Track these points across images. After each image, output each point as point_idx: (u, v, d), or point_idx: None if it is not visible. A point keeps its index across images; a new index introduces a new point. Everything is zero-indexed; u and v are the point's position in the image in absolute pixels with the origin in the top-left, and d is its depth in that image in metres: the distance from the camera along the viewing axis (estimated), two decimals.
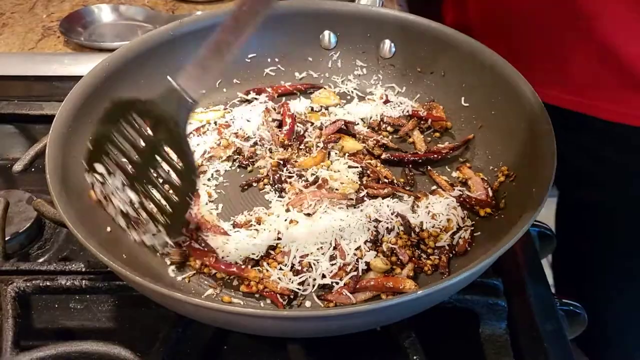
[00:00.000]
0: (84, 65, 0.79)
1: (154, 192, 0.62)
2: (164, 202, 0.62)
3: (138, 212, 0.62)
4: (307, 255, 0.66)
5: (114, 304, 0.71)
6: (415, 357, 0.60)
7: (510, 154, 0.74)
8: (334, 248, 0.67)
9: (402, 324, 0.62)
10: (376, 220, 0.69)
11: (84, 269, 0.68)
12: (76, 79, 0.75)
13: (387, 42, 0.90)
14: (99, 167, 0.62)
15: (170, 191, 0.61)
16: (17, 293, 0.65)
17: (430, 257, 0.68)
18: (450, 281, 0.52)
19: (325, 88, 0.91)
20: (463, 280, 0.54)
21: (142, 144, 0.61)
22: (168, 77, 0.59)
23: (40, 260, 0.76)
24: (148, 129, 0.61)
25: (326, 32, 0.92)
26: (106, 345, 0.60)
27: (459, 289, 0.61)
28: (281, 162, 0.78)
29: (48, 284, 0.66)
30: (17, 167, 0.77)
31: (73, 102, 0.72)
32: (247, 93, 0.90)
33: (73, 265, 0.68)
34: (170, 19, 1.14)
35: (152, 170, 0.61)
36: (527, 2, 0.93)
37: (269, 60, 0.93)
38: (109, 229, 0.68)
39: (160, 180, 0.62)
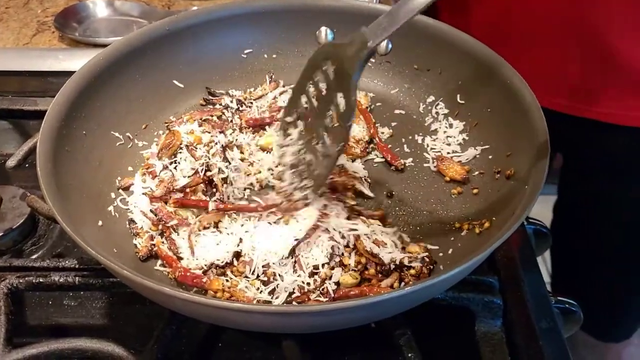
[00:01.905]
0: (79, 61, 0.79)
1: (318, 141, 0.66)
2: (321, 155, 0.66)
3: (300, 165, 0.68)
4: (268, 265, 0.65)
5: (108, 301, 0.70)
6: (410, 355, 0.60)
7: (505, 152, 0.74)
8: (294, 262, 0.65)
9: (397, 321, 0.62)
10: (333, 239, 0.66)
11: (77, 266, 0.67)
12: (71, 74, 0.75)
13: None
14: (289, 119, 0.70)
15: (328, 140, 0.65)
16: (10, 290, 0.65)
17: (412, 267, 0.65)
18: (439, 278, 0.52)
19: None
20: (452, 278, 0.54)
21: (324, 92, 0.65)
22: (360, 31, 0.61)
23: (34, 256, 0.75)
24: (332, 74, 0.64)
25: (323, 28, 0.91)
26: (100, 342, 0.60)
27: (449, 286, 0.61)
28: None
29: (41, 280, 0.66)
30: (11, 162, 0.77)
31: (66, 97, 0.71)
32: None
33: (66, 262, 0.68)
34: (166, 14, 1.14)
35: (322, 120, 0.65)
36: (529, 13, 0.93)
37: (265, 56, 0.93)
38: (100, 223, 0.68)
39: (325, 130, 0.65)
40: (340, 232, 0.67)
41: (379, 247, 0.66)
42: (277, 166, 0.76)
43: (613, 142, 1.00)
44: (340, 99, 0.63)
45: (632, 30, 0.87)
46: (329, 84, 0.65)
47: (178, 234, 0.69)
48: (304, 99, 0.69)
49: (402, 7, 0.60)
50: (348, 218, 0.70)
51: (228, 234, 0.69)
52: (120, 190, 0.75)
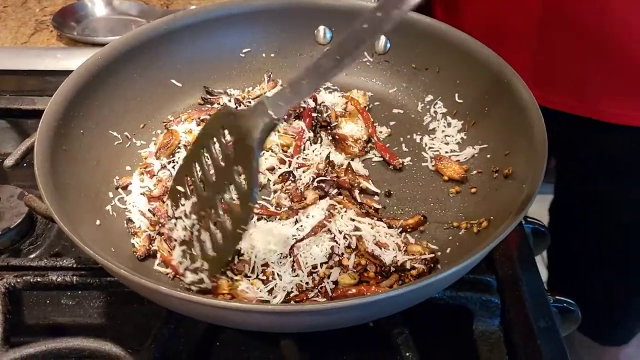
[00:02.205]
0: (77, 60, 0.79)
1: (214, 219, 0.60)
2: (218, 233, 0.60)
3: (193, 244, 0.62)
4: (267, 264, 0.65)
5: (105, 300, 0.70)
6: (408, 354, 0.60)
7: (503, 151, 0.74)
8: (293, 261, 0.65)
9: (395, 320, 0.62)
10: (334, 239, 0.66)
11: (74, 265, 0.67)
12: (69, 73, 0.75)
13: (382, 38, 0.90)
14: (181, 188, 0.63)
15: (227, 219, 0.59)
16: (8, 289, 0.65)
17: (414, 268, 0.65)
18: (436, 277, 0.51)
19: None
20: (449, 277, 0.54)
21: (222, 163, 0.60)
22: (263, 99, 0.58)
23: (32, 256, 0.75)
24: (230, 145, 0.60)
25: (321, 28, 0.92)
26: (97, 341, 0.59)
27: (446, 285, 0.61)
28: None
29: (39, 279, 0.65)
30: (9, 162, 0.77)
31: (64, 96, 0.71)
32: None
33: (64, 261, 0.67)
34: (165, 13, 1.14)
35: (219, 194, 0.60)
36: (523, 10, 0.93)
37: (263, 55, 0.93)
38: (98, 222, 0.68)
39: (223, 206, 0.60)
40: (342, 232, 0.66)
41: (381, 249, 0.66)
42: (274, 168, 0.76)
43: (612, 143, 1.00)
44: (241, 175, 0.59)
45: (633, 25, 0.87)
46: (227, 156, 0.60)
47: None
48: (197, 167, 0.63)
49: (306, 79, 0.57)
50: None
51: None
52: (118, 190, 0.75)
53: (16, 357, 0.58)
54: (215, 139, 0.61)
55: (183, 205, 0.63)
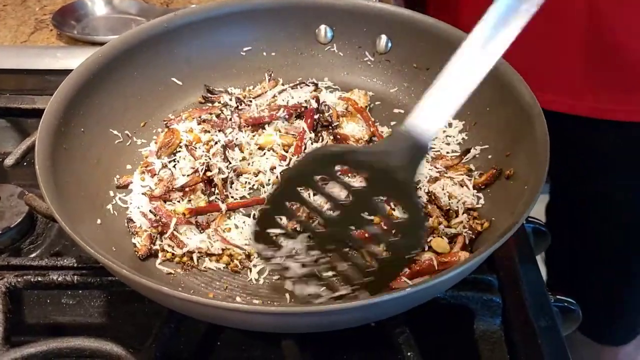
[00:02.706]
0: (77, 59, 0.78)
1: (351, 250, 0.58)
2: (367, 260, 0.58)
3: (322, 273, 0.58)
4: None
5: (106, 300, 0.70)
6: (409, 354, 0.60)
7: (505, 151, 0.74)
8: None
9: (397, 320, 0.62)
10: None
11: (75, 264, 0.67)
12: (69, 72, 0.74)
13: (384, 37, 0.90)
14: (276, 231, 0.59)
15: (379, 247, 0.57)
16: (8, 288, 0.65)
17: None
18: (439, 279, 0.51)
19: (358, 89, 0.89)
20: (453, 278, 0.54)
21: (343, 198, 0.56)
22: (399, 126, 0.53)
23: (32, 255, 0.75)
24: (354, 182, 0.56)
25: (322, 27, 0.92)
26: (98, 341, 0.59)
27: (449, 286, 0.61)
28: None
29: (39, 279, 0.65)
30: (9, 161, 0.77)
31: (64, 95, 0.71)
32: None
33: (64, 261, 0.67)
34: (165, 12, 1.13)
35: (353, 227, 0.57)
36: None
37: (264, 54, 0.92)
38: (98, 221, 0.68)
39: (365, 237, 0.57)
40: None
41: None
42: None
43: (607, 140, 1.00)
44: (394, 207, 0.59)
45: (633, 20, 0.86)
46: (355, 192, 0.55)
47: (180, 233, 0.69)
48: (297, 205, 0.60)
49: (443, 93, 0.51)
50: None
51: None
52: (119, 188, 0.75)
53: (17, 357, 0.58)
54: (320, 177, 0.56)
55: (284, 245, 0.59)
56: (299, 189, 0.58)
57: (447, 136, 0.82)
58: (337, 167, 0.56)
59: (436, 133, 0.53)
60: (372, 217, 0.59)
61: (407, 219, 0.55)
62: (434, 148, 0.81)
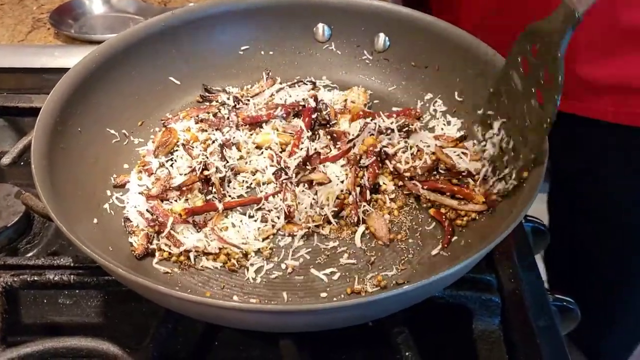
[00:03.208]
0: (75, 58, 0.78)
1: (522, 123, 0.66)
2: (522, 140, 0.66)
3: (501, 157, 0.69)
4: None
5: (103, 299, 0.70)
6: (407, 353, 0.60)
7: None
8: None
9: (395, 319, 0.61)
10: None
11: (72, 264, 0.67)
12: (66, 71, 0.74)
13: (382, 35, 0.89)
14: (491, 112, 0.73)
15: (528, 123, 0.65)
16: (4, 288, 0.64)
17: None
18: (436, 277, 0.51)
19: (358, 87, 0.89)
20: (449, 276, 0.54)
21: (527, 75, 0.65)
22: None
23: (29, 254, 0.75)
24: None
25: (320, 25, 0.91)
26: (94, 340, 0.59)
27: (446, 285, 0.61)
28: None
29: (36, 278, 0.65)
30: (5, 160, 0.76)
31: (60, 94, 0.71)
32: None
33: (61, 260, 0.67)
34: (162, 10, 1.13)
35: (526, 103, 0.65)
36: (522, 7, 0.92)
37: (262, 52, 0.92)
38: (95, 220, 0.68)
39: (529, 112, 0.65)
40: None
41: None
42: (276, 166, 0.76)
43: (606, 141, 0.99)
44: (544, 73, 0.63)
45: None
46: (533, 65, 0.65)
47: (177, 232, 0.69)
48: (503, 90, 0.70)
49: None
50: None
51: None
52: (116, 188, 0.74)
53: (13, 357, 0.58)
54: (521, 57, 0.66)
55: (491, 127, 0.72)
56: (510, 72, 0.69)
57: (445, 134, 0.81)
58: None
59: (587, 7, 0.60)
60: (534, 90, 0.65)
61: (551, 84, 0.62)
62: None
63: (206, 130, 0.80)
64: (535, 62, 0.65)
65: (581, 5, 0.59)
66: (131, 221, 0.70)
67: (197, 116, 0.83)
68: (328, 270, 0.66)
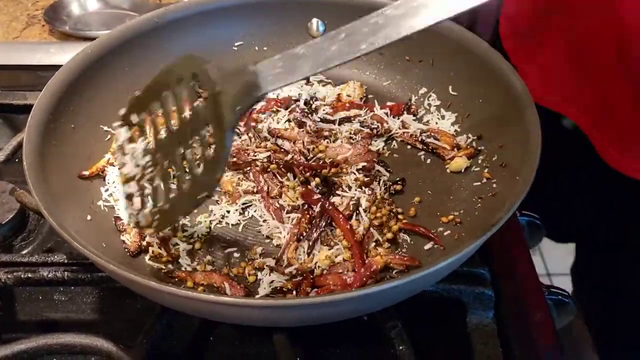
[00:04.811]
0: (70, 54, 0.78)
1: (173, 170, 0.58)
2: (174, 186, 0.59)
3: (143, 185, 0.60)
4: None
5: (99, 296, 0.70)
6: (401, 347, 0.60)
7: (497, 143, 0.74)
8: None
9: (389, 314, 0.61)
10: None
11: (66, 261, 0.67)
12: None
13: (315, 20, 0.89)
14: (134, 119, 0.60)
15: (187, 177, 0.57)
16: None
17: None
18: (428, 270, 0.51)
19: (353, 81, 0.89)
20: (442, 270, 0.54)
21: (188, 114, 0.57)
22: (249, 67, 0.53)
23: (24, 252, 0.75)
24: (201, 99, 0.56)
25: (314, 20, 0.91)
26: (88, 337, 0.59)
27: (439, 278, 0.61)
28: None
29: (29, 275, 0.65)
30: None
31: (53, 91, 0.71)
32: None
33: (55, 257, 0.67)
34: (157, 6, 1.12)
35: (181, 147, 0.57)
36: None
37: (256, 48, 0.92)
38: (89, 217, 0.68)
39: (184, 161, 0.58)
40: None
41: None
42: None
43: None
44: (210, 138, 0.56)
45: None
46: (196, 111, 0.56)
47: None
48: (156, 106, 0.60)
49: (305, 59, 0.52)
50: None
51: None
52: (109, 185, 0.74)
53: (7, 354, 0.58)
54: (182, 84, 0.57)
55: (134, 142, 0.61)
56: (165, 92, 0.59)
57: (440, 128, 0.81)
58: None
59: (276, 87, 0.54)
60: (194, 143, 0.58)
61: (213, 156, 0.55)
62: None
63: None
64: (199, 109, 0.56)
65: (267, 83, 0.52)
66: (122, 219, 0.70)
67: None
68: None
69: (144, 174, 0.61)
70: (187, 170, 0.58)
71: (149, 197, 0.61)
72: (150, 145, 0.61)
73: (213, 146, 0.56)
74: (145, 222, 0.61)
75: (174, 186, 0.60)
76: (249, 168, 0.74)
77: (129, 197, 0.62)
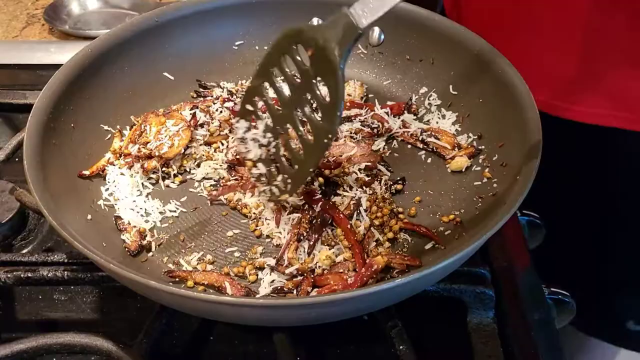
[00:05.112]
0: (70, 54, 0.78)
1: (294, 134, 0.61)
2: (299, 147, 0.61)
3: (269, 161, 0.64)
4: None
5: (99, 295, 0.70)
6: (401, 347, 0.59)
7: (498, 142, 0.73)
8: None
9: (389, 313, 0.61)
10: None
11: (65, 260, 0.66)
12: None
13: (376, 29, 0.88)
14: (250, 107, 0.64)
15: (309, 135, 0.60)
16: None
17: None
18: (429, 270, 0.51)
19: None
20: (442, 269, 0.54)
21: (298, 80, 0.60)
22: (343, 9, 0.56)
23: (24, 251, 0.75)
24: (308, 61, 0.58)
25: (314, 20, 0.90)
26: (88, 336, 0.59)
27: (440, 278, 0.60)
28: None
29: (29, 275, 0.65)
30: None
31: (53, 90, 0.71)
32: None
33: (55, 256, 0.67)
34: (157, 6, 1.12)
35: (299, 110, 0.60)
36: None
37: (256, 47, 0.92)
38: (89, 216, 0.68)
39: (304, 121, 0.60)
40: None
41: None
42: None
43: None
44: (323, 89, 0.58)
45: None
46: (304, 71, 0.59)
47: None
48: (267, 86, 0.64)
49: None
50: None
51: None
52: (109, 184, 0.74)
53: (6, 353, 0.58)
54: (287, 56, 0.60)
55: (254, 126, 0.65)
56: (272, 69, 0.62)
57: (440, 128, 0.81)
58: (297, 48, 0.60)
59: (371, 20, 0.56)
60: (310, 97, 0.60)
61: (330, 100, 0.57)
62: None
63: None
64: (307, 70, 0.58)
65: (365, 17, 0.54)
66: (122, 219, 0.70)
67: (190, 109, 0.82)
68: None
69: (269, 150, 0.64)
70: (308, 122, 0.60)
71: (277, 168, 0.64)
72: (269, 123, 0.64)
73: (327, 97, 0.58)
74: (280, 192, 0.64)
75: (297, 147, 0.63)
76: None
77: (259, 178, 0.66)
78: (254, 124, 0.66)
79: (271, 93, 0.65)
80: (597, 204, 1.02)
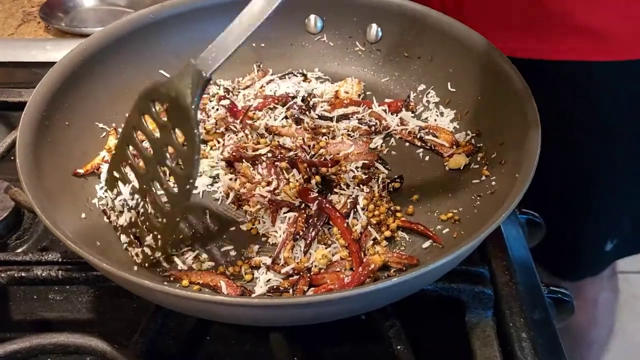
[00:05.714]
0: (65, 51, 0.77)
1: (159, 192, 0.61)
2: (164, 198, 0.61)
3: (139, 223, 0.62)
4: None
5: (94, 295, 0.69)
6: (399, 347, 0.59)
7: (496, 140, 0.73)
8: None
9: (387, 313, 0.61)
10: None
11: (60, 259, 0.66)
12: None
13: (374, 26, 0.88)
14: (117, 174, 0.65)
15: (172, 181, 0.60)
16: None
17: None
18: (426, 268, 0.50)
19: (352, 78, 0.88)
20: (440, 268, 0.53)
21: (157, 135, 0.61)
22: (190, 61, 0.58)
23: (18, 250, 0.74)
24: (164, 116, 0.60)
25: (312, 16, 0.90)
26: (82, 337, 0.58)
27: (438, 277, 0.60)
28: None
29: (23, 274, 0.64)
30: None
31: (47, 87, 0.70)
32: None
33: (49, 256, 0.66)
34: (153, 3, 1.11)
35: (160, 164, 0.61)
36: None
37: (253, 45, 0.91)
38: (83, 215, 0.67)
39: (167, 173, 0.61)
40: None
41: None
42: None
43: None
44: (179, 135, 0.59)
45: None
46: (162, 125, 0.60)
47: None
48: (130, 149, 0.64)
49: (229, 35, 0.59)
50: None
51: None
52: (104, 183, 0.73)
53: (0, 354, 0.57)
54: (145, 116, 0.61)
55: (122, 192, 0.65)
56: (132, 131, 0.63)
57: (438, 125, 0.81)
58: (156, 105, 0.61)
59: (216, 65, 0.59)
60: (170, 150, 0.61)
61: (187, 145, 0.59)
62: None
63: None
64: (164, 123, 0.60)
65: (209, 66, 0.58)
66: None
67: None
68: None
69: (138, 211, 0.64)
70: (169, 174, 0.62)
71: (146, 227, 0.63)
72: (136, 184, 0.65)
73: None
74: (152, 251, 0.63)
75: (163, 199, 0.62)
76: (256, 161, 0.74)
77: (130, 243, 0.65)
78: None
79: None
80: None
